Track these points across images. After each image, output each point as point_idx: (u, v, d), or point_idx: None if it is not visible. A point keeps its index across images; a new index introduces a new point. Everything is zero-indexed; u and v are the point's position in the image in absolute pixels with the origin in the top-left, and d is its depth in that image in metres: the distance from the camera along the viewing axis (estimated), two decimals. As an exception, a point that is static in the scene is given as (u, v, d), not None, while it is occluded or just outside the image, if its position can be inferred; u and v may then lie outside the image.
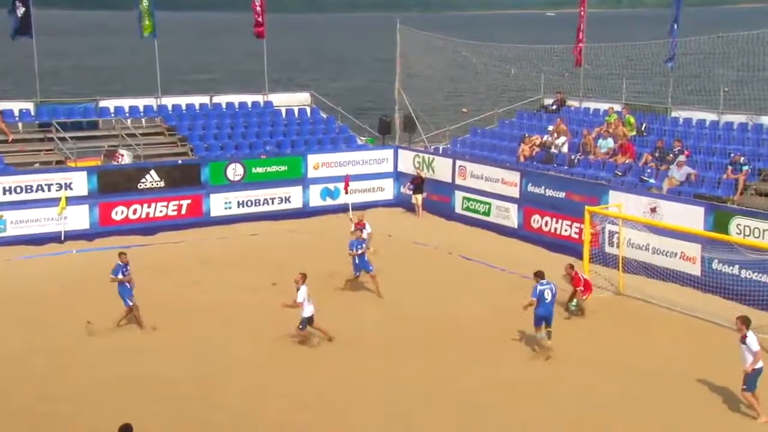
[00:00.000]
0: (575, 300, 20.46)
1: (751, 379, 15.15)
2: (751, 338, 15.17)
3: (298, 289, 18.27)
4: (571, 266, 20.71)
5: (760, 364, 15.12)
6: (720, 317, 20.19)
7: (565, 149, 29.28)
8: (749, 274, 21.08)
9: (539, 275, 18.31)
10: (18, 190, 26.35)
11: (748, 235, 21.24)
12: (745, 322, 15.40)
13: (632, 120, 29.11)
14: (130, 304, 19.32)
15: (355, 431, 15.08)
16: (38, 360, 17.56)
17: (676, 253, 22.77)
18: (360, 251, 21.83)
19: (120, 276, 19.35)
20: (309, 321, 18.49)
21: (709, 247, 21.83)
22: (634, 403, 15.93)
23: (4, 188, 26.18)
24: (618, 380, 16.87)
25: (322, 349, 18.42)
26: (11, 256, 25.18)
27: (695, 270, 22.35)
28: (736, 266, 21.34)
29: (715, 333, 19.53)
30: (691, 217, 22.57)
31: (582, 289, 20.54)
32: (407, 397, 16.17)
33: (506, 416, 15.45)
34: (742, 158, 24.46)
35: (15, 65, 60.26)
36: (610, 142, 28.33)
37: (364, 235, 23.09)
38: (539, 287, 18.04)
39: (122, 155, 28.89)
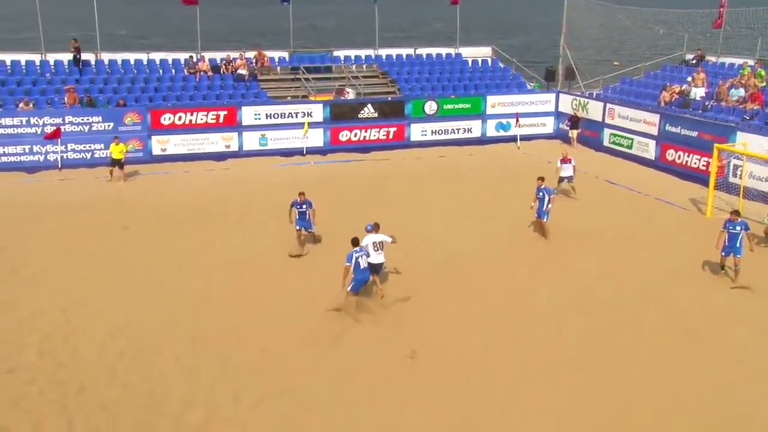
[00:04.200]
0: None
1: None
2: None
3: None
4: None
5: None
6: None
7: (701, 96, 27.38)
8: None
9: (736, 213, 16.32)
10: (276, 116, 27.42)
11: None
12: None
13: (763, 73, 26.74)
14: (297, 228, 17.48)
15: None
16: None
17: (791, 185, 21.12)
18: (541, 198, 18.52)
19: (293, 209, 17.52)
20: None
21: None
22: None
23: (266, 114, 27.28)
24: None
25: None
26: (271, 164, 26.56)
27: (808, 200, 20.69)
28: None
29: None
30: (810, 155, 20.78)
31: None
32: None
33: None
34: None
35: (275, 25, 62.43)
36: (741, 92, 26.22)
37: (567, 171, 21.99)
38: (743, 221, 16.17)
39: (348, 92, 29.43)
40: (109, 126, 25.40)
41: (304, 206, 17.47)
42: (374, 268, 14.80)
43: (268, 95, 28.64)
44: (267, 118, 27.36)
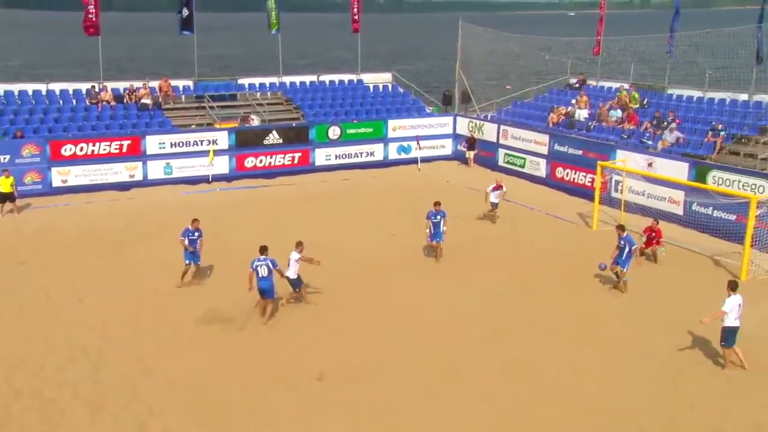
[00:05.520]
0: (662, 247, 18.99)
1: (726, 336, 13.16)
2: (729, 298, 12.99)
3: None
4: (657, 221, 19.29)
5: (731, 323, 12.97)
6: (697, 246, 19.93)
7: (584, 117, 28.74)
8: (720, 214, 20.63)
9: (621, 228, 17.09)
10: (180, 144, 26.78)
11: (721, 185, 20.83)
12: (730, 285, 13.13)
13: (637, 95, 28.38)
14: (187, 262, 16.58)
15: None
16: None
17: (665, 198, 22.35)
18: (435, 221, 18.51)
19: (184, 239, 16.52)
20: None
21: (690, 193, 21.39)
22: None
23: (171, 143, 26.63)
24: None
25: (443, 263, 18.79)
26: (176, 192, 25.92)
27: (679, 210, 21.95)
28: (711, 208, 20.91)
29: (690, 258, 19.33)
30: (679, 170, 22.14)
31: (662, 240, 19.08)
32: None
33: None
34: (720, 126, 23.80)
35: (178, 54, 61.31)
36: (619, 113, 27.70)
37: (493, 195, 22.19)
38: (632, 237, 16.81)
39: (253, 119, 29.14)
40: (5, 158, 24.15)
41: (196, 234, 16.54)
42: (290, 282, 15.47)
43: (172, 124, 27.98)
44: (172, 146, 26.71)
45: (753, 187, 19.96)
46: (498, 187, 22.58)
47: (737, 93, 26.20)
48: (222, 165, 27.53)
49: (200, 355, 13.60)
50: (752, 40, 24.87)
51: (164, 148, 26.61)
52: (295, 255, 15.34)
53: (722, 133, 23.47)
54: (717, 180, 20.95)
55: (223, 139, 27.58)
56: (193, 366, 13.19)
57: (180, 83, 30.47)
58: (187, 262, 16.68)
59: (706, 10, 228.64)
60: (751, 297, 13.41)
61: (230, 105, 30.17)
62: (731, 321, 13.05)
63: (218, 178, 27.34)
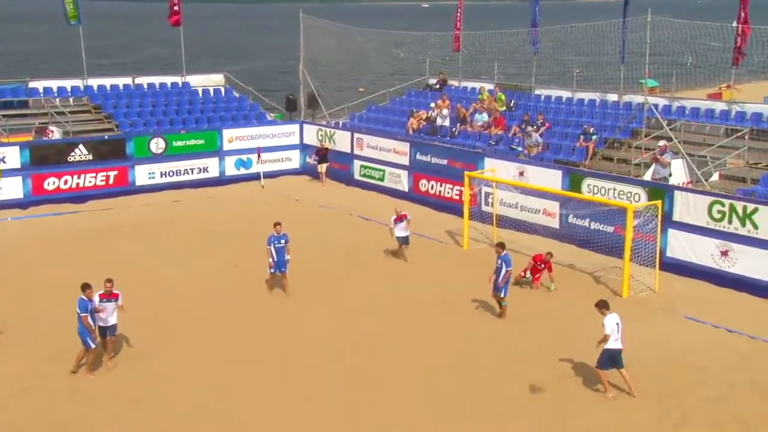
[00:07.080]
0: (553, 283, 19.45)
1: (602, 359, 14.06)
2: (607, 319, 13.93)
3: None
4: (551, 254, 19.68)
5: (611, 345, 13.91)
6: (576, 262, 21.04)
7: (447, 122, 29.76)
8: (598, 226, 21.87)
9: (500, 247, 17.45)
10: (-46, 164, 25.21)
11: (597, 194, 22.03)
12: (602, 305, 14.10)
13: (503, 97, 29.78)
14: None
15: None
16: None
17: (539, 210, 23.47)
18: (279, 245, 18.37)
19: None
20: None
21: (565, 204, 22.52)
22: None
23: (-58, 162, 25.01)
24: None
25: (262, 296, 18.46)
26: (-50, 224, 24.22)
27: (555, 223, 23.06)
28: (587, 219, 22.19)
29: (570, 277, 20.37)
30: (552, 179, 23.26)
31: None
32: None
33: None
34: (591, 129, 25.49)
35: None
36: (485, 116, 28.94)
37: (398, 228, 21.22)
38: (510, 257, 17.27)
39: (52, 131, 27.95)
40: None
41: None
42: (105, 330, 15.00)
43: (-57, 138, 26.06)
44: (-58, 167, 24.96)
45: (629, 195, 21.40)
46: (401, 218, 21.50)
47: (606, 93, 28.27)
48: (13, 188, 26.13)
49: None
50: (617, 37, 26.93)
51: (-69, 169, 24.80)
52: (96, 300, 14.65)
53: (594, 137, 25.16)
54: (592, 188, 22.23)
55: (13, 156, 26.16)
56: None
57: (-51, 88, 28.53)
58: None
59: (567, 2, 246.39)
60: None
61: (20, 114, 28.83)
62: (609, 342, 13.91)
63: (9, 204, 25.95)
